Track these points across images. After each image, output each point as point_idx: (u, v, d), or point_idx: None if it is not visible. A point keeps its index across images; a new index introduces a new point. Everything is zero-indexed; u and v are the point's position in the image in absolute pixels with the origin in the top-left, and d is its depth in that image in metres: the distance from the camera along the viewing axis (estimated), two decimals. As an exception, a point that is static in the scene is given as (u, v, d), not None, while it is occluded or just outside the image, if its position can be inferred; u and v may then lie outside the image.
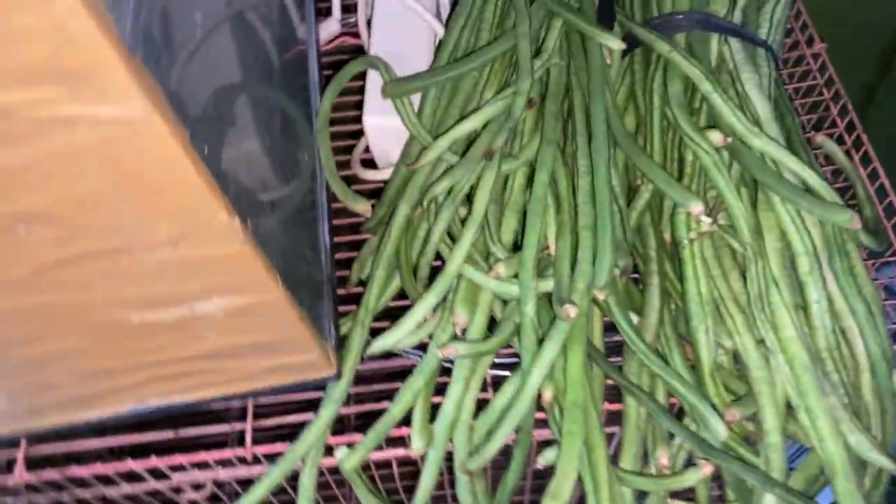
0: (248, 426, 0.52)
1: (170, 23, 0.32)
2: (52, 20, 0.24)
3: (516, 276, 0.48)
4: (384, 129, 0.57)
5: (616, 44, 0.51)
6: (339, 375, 0.50)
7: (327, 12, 0.67)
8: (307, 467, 0.49)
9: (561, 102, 0.53)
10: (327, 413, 0.49)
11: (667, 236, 0.52)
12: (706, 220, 0.47)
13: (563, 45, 0.55)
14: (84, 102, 0.28)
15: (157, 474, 0.52)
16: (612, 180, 0.50)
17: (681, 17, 0.55)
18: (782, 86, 0.56)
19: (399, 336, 0.49)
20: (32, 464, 0.52)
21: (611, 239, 0.46)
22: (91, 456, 0.61)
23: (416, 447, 0.48)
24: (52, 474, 0.50)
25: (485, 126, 0.52)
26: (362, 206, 0.53)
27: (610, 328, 0.49)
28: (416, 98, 0.56)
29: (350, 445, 0.49)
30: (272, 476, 0.47)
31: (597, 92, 0.51)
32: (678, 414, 0.47)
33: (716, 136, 0.49)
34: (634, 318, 0.49)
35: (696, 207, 0.47)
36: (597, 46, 0.52)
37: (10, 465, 0.51)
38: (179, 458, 0.51)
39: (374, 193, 0.59)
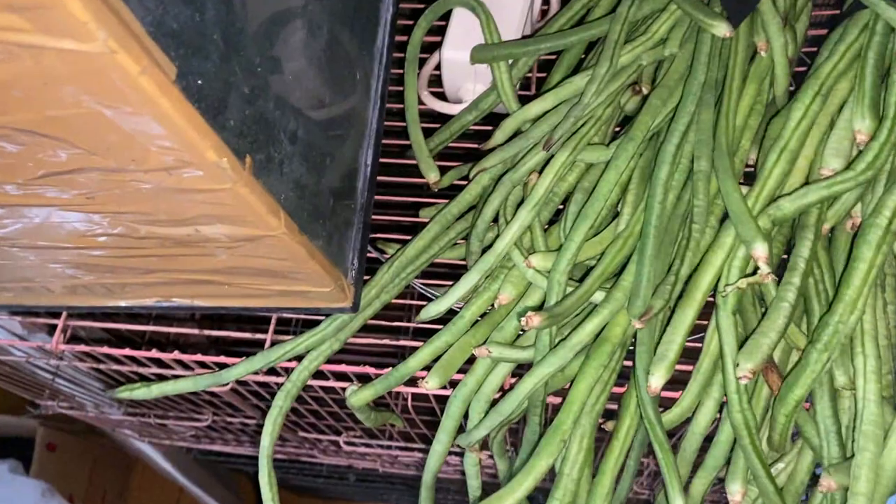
0: (268, 337, 0.53)
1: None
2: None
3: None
4: (461, 64, 0.54)
5: (722, 29, 0.44)
6: (355, 308, 0.49)
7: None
8: (290, 380, 0.50)
9: (671, 96, 0.48)
10: (317, 339, 0.49)
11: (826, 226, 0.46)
12: (764, 269, 0.41)
13: (682, 33, 0.49)
14: (47, 34, 0.27)
15: (182, 364, 0.54)
16: (699, 198, 0.45)
17: None
18: None
19: (446, 306, 0.48)
20: (74, 338, 0.55)
21: (648, 276, 0.42)
22: (129, 339, 0.64)
23: (429, 385, 0.47)
24: (83, 348, 0.53)
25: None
26: (432, 176, 0.52)
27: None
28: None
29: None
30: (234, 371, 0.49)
31: (706, 92, 0.45)
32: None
33: None
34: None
35: (760, 250, 0.41)
36: (707, 36, 0.46)
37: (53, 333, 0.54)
38: (202, 357, 0.53)
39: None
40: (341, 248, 0.48)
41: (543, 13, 0.61)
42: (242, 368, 0.50)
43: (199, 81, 0.32)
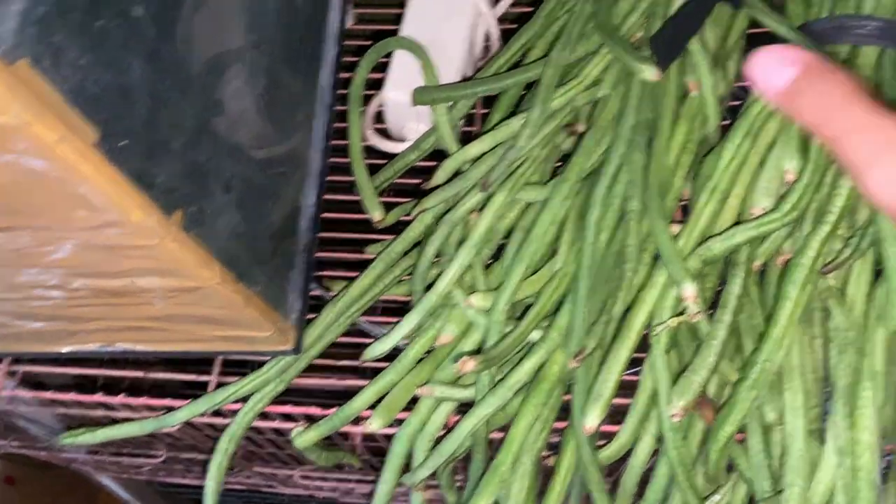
0: (213, 379, 0.53)
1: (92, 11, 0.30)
2: None
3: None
4: (404, 104, 0.54)
5: (650, 73, 0.46)
6: (297, 350, 0.49)
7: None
8: (235, 423, 0.50)
9: (604, 137, 0.49)
10: (260, 382, 0.49)
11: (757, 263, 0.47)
12: (692, 308, 0.42)
13: (615, 75, 0.50)
14: (-39, 107, 0.27)
15: (130, 407, 0.54)
16: (631, 237, 0.46)
17: (879, 22, 0.45)
18: None
19: (389, 345, 0.49)
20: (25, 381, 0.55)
21: (582, 316, 0.43)
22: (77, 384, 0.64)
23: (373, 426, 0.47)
24: (26, 394, 0.53)
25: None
26: (376, 214, 0.52)
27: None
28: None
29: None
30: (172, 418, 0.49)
31: (635, 135, 0.47)
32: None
33: None
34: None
35: (688, 290, 0.42)
36: (637, 79, 0.47)
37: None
38: (148, 400, 0.53)
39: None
40: (282, 291, 0.49)
41: (488, 49, 0.62)
42: (187, 412, 0.50)
43: (124, 143, 0.33)
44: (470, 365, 0.42)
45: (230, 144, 0.43)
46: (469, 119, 0.61)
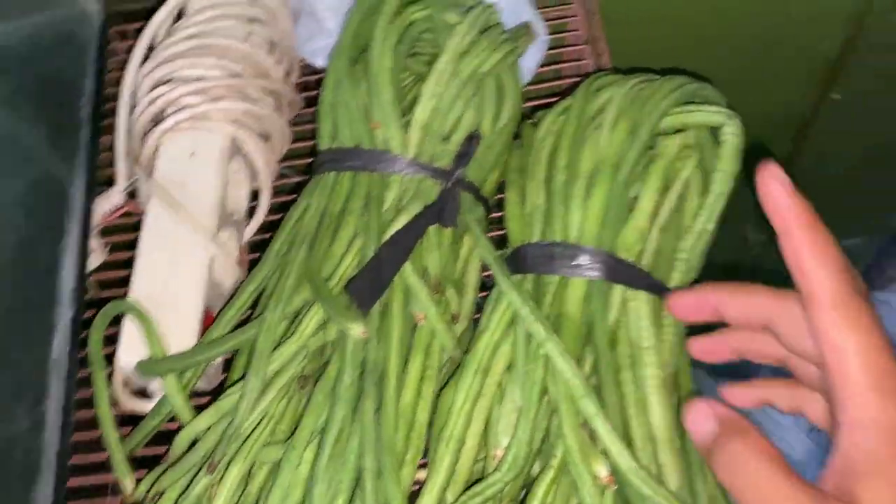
0: None
1: None
2: None
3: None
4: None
5: (357, 330, 0.44)
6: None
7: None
8: None
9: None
10: None
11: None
12: None
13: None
14: None
15: None
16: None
17: (585, 254, 0.45)
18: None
19: None
20: None
21: None
22: None
23: None
24: None
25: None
26: (127, 483, 0.48)
27: None
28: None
29: None
30: None
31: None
32: None
33: (602, 469, 0.40)
34: None
35: None
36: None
37: None
38: None
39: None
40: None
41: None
42: None
43: None
44: None
45: None
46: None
